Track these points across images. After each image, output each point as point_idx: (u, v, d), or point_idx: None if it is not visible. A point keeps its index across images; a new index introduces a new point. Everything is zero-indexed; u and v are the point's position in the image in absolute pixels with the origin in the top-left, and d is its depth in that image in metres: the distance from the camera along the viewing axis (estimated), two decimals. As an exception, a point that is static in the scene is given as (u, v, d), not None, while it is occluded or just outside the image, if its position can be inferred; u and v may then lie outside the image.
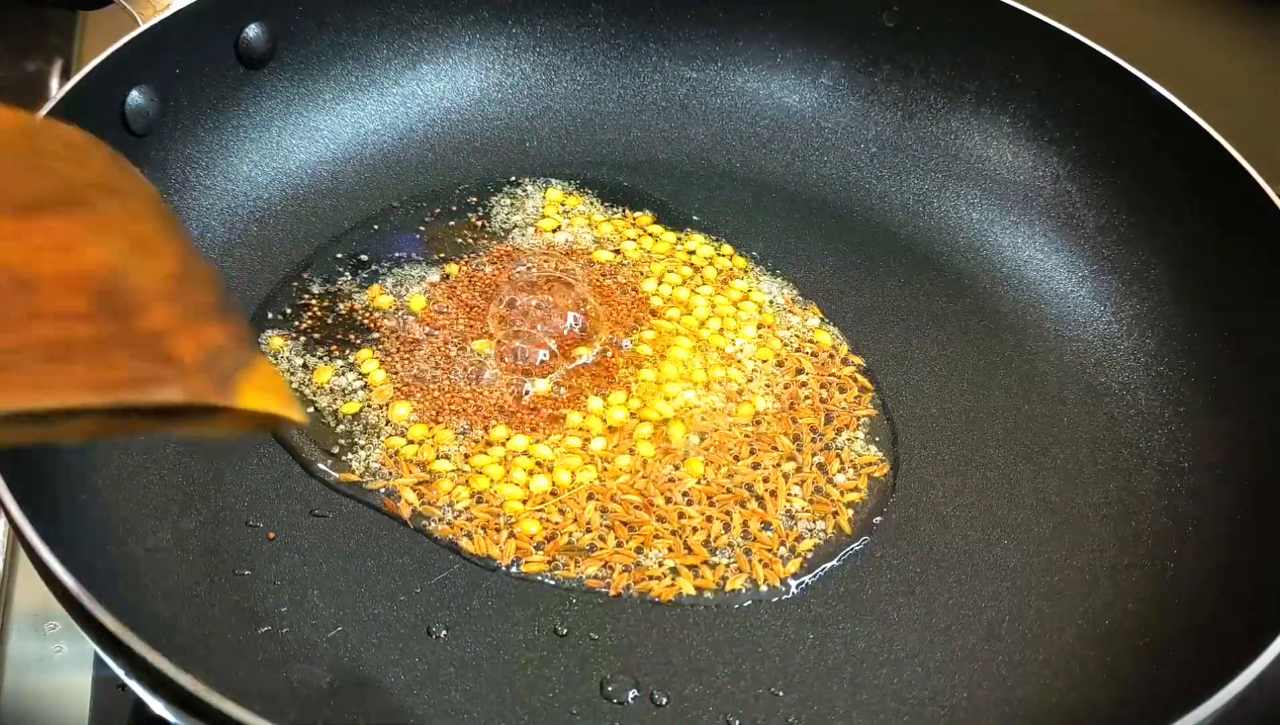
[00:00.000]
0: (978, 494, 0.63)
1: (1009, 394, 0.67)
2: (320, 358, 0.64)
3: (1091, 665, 0.57)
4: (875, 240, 0.74)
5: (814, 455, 0.63)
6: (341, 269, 0.68)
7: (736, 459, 0.62)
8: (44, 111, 0.59)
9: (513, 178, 0.74)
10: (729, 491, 0.61)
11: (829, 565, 0.59)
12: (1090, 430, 0.66)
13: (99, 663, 0.59)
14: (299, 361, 0.63)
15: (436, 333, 0.65)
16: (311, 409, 0.61)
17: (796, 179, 0.77)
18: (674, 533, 0.59)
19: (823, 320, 0.69)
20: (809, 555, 0.59)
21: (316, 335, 0.65)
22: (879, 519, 0.61)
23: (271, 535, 0.57)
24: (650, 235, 0.72)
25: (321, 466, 0.60)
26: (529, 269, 0.68)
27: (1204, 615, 0.57)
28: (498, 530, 0.58)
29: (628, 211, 0.73)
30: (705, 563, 0.58)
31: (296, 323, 0.65)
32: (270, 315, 0.65)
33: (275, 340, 0.64)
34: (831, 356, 0.67)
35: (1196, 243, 0.69)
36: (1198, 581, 0.59)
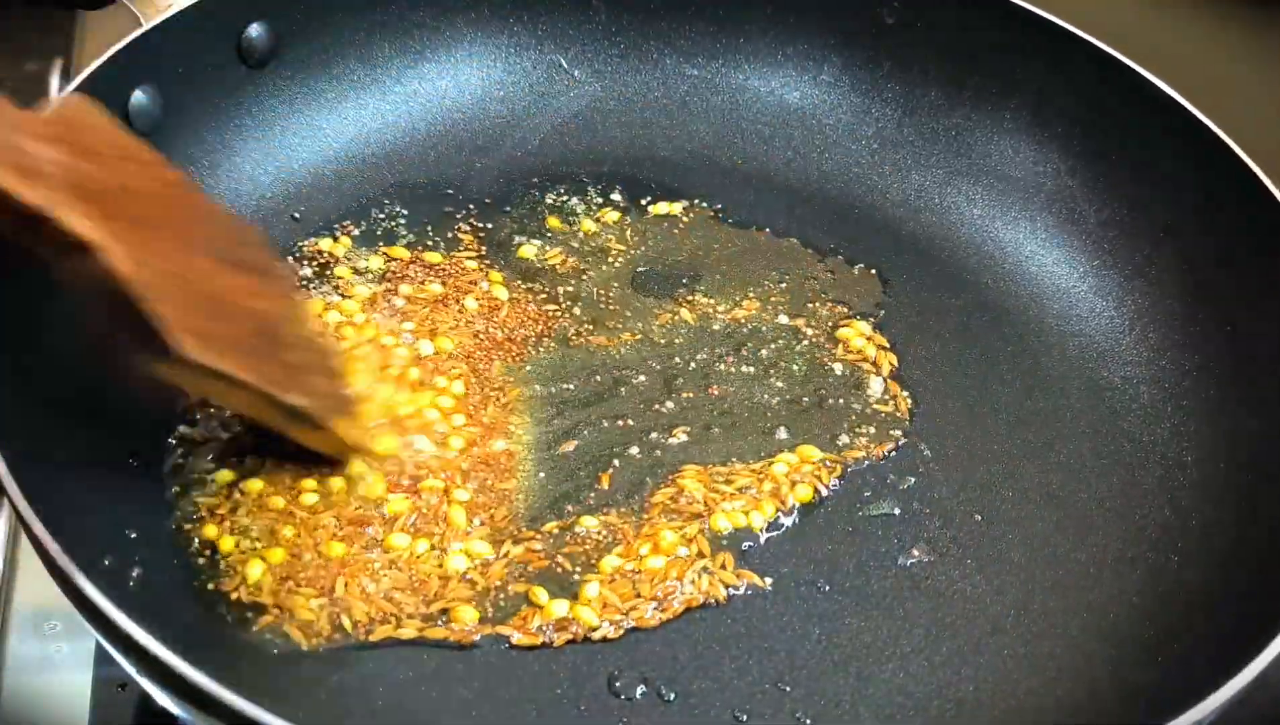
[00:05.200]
0: (981, 489, 0.63)
1: (1012, 389, 0.68)
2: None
3: (1096, 659, 0.57)
4: (876, 236, 0.74)
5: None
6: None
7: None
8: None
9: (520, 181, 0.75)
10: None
11: (835, 561, 0.59)
12: (1093, 425, 0.66)
13: (99, 662, 0.59)
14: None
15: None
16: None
17: (798, 175, 0.77)
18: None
19: (825, 316, 0.69)
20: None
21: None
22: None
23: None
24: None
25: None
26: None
27: (1208, 609, 0.58)
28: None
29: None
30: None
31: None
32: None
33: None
34: (834, 352, 0.68)
35: (1198, 237, 0.69)
36: (1201, 575, 0.59)
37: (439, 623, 0.55)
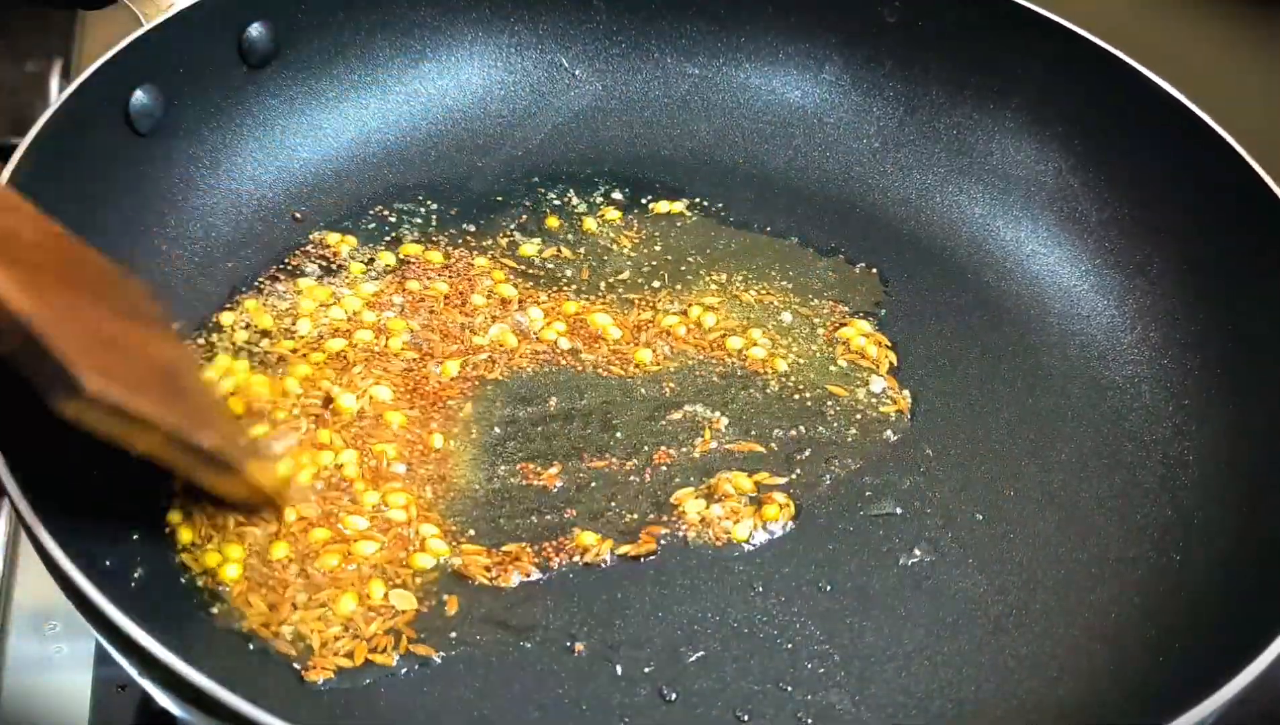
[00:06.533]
0: (983, 488, 0.63)
1: (1013, 388, 0.67)
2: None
3: (1098, 659, 0.57)
4: (878, 235, 0.74)
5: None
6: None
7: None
8: (50, 111, 0.60)
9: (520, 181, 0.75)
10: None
11: (836, 561, 0.59)
12: (1095, 424, 0.66)
13: (99, 663, 0.59)
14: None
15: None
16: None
17: (799, 175, 0.77)
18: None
19: (826, 316, 0.70)
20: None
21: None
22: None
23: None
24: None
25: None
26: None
27: (1210, 608, 0.58)
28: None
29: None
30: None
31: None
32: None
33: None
34: (835, 352, 0.68)
35: (1199, 236, 0.69)
36: (1203, 574, 0.60)
37: (440, 620, 0.55)
